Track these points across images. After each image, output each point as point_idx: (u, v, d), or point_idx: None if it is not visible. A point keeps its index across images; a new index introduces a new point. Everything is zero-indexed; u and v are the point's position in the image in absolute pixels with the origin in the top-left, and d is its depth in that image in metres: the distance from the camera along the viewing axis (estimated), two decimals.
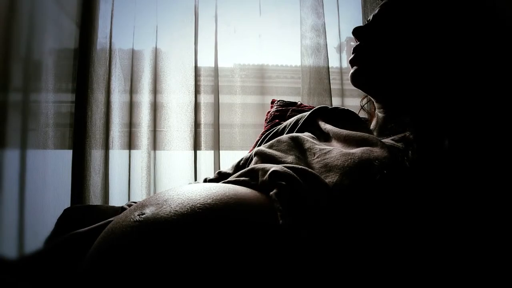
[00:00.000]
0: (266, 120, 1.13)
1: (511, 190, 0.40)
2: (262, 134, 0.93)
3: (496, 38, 0.54)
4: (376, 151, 0.45)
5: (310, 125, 0.68)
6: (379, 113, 0.66)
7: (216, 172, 0.75)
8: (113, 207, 0.89)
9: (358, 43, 0.63)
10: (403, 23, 0.59)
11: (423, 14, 0.58)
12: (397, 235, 0.38)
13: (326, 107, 0.72)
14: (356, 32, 0.63)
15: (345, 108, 0.72)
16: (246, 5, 1.47)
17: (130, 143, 1.33)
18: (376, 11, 0.63)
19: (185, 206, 0.35)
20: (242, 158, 0.70)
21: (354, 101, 1.36)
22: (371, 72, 0.61)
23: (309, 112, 0.71)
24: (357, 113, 0.73)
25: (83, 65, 1.29)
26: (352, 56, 0.64)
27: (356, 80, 0.63)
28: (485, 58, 0.53)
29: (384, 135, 0.57)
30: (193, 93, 1.37)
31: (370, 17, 0.64)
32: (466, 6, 0.57)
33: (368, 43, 0.62)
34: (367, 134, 0.53)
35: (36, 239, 1.15)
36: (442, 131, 0.44)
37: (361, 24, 0.66)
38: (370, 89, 0.65)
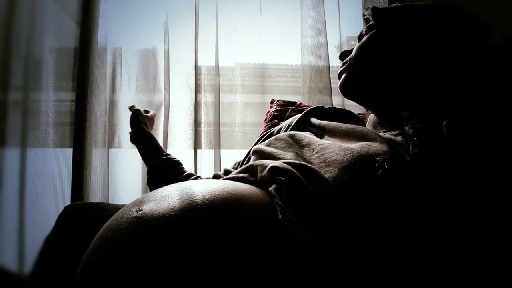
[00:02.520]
0: (265, 120, 1.13)
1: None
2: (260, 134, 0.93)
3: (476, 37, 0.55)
4: (375, 146, 0.45)
5: (304, 124, 0.69)
6: (371, 115, 0.68)
7: (223, 169, 0.77)
8: (114, 205, 0.90)
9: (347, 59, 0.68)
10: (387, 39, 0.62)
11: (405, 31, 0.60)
12: (396, 231, 0.38)
13: (322, 107, 0.72)
14: (342, 55, 0.69)
15: (342, 107, 0.73)
16: (247, 4, 1.46)
17: None
18: (364, 30, 0.66)
19: (183, 201, 0.34)
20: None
21: None
22: (354, 81, 0.65)
23: (302, 113, 0.71)
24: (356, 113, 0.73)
25: (83, 64, 1.29)
26: (340, 69, 0.68)
27: (342, 90, 0.68)
28: (473, 54, 0.54)
29: (380, 132, 0.57)
30: (194, 92, 1.37)
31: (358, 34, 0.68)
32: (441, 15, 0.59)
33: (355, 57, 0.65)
34: (366, 129, 0.53)
35: (36, 237, 1.14)
36: (443, 124, 0.44)
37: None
38: (352, 97, 0.68)
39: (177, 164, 0.86)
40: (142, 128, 0.93)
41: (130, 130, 0.97)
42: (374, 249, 0.37)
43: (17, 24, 1.20)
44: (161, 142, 1.34)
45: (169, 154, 0.89)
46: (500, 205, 0.40)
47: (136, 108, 0.98)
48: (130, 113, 0.98)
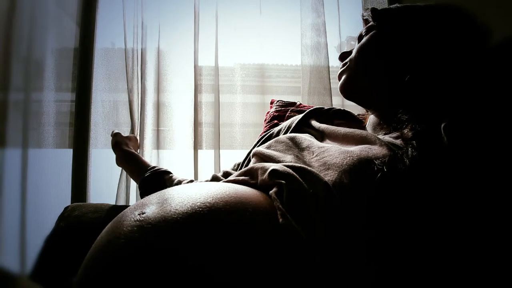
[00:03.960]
0: (265, 120, 1.13)
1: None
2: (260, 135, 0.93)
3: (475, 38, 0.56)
4: (375, 149, 0.45)
5: (304, 126, 0.69)
6: (371, 116, 0.68)
7: (222, 171, 0.77)
8: (114, 205, 0.90)
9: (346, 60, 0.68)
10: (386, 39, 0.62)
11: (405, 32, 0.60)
12: (395, 234, 0.38)
13: (321, 108, 0.73)
14: (342, 56, 0.69)
15: (341, 108, 0.73)
16: (247, 4, 1.46)
17: None
18: (363, 31, 0.66)
19: (185, 205, 0.35)
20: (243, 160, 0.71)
21: None
22: (354, 82, 0.65)
23: (302, 114, 0.72)
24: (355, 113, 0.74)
25: (83, 64, 1.29)
26: (340, 70, 0.69)
27: (342, 91, 0.68)
28: (472, 56, 0.54)
29: (379, 134, 0.58)
30: (194, 92, 1.37)
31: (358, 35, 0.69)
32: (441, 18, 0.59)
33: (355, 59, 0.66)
34: (365, 132, 0.53)
35: (37, 237, 1.15)
36: (441, 127, 0.44)
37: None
38: (352, 98, 0.68)
39: (164, 174, 0.85)
40: (124, 150, 0.94)
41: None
42: (373, 252, 0.38)
43: (18, 24, 1.20)
44: (161, 142, 1.35)
45: (155, 167, 0.87)
46: (499, 206, 0.40)
47: (116, 131, 1.00)
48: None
